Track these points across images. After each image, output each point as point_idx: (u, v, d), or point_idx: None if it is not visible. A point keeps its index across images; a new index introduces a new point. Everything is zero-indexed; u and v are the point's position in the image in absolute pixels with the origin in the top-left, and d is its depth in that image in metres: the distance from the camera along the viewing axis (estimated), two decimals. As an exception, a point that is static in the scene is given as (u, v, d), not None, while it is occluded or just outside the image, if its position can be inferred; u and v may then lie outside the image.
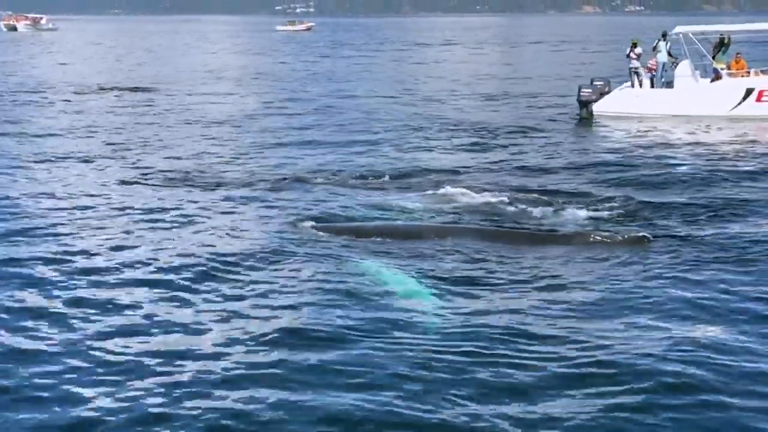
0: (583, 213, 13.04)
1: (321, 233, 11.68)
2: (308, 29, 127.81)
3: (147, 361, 7.64)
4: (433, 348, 7.75)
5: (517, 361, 7.51)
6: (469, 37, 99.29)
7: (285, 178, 15.82)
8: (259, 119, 25.33)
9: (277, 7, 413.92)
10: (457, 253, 10.73)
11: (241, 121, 24.75)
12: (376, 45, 76.86)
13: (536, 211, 13.14)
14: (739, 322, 8.47)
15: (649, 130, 22.62)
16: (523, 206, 13.45)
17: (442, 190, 14.53)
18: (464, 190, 14.49)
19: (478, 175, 16.42)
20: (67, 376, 7.36)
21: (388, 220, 12.63)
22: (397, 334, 8.10)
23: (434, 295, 9.16)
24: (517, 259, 10.50)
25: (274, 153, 19.25)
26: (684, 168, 17.26)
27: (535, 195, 14.26)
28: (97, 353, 7.82)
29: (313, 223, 12.12)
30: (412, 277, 9.75)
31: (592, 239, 11.24)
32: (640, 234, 11.30)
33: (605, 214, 13.04)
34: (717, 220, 12.61)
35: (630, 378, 7.14)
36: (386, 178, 16.00)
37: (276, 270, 10.14)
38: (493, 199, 13.95)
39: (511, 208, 13.36)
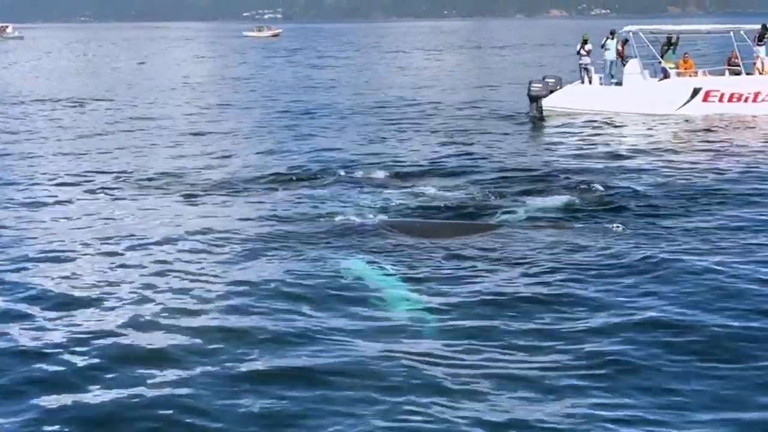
0: (546, 204, 13.54)
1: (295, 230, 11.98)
2: (275, 36, 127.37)
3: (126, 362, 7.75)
4: (422, 343, 8.03)
5: (501, 351, 7.83)
6: (438, 42, 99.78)
7: (262, 179, 16.22)
8: (230, 124, 25.46)
9: (245, 14, 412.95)
10: (436, 247, 11.09)
11: (215, 128, 24.77)
12: (344, 51, 76.82)
13: (503, 204, 13.62)
14: (708, 304, 9.00)
15: (598, 126, 23.17)
16: (490, 200, 14.00)
17: (410, 187, 15.02)
18: (428, 187, 15.02)
19: (436, 172, 16.86)
20: (40, 381, 7.43)
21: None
22: (378, 334, 8.29)
23: (420, 291, 9.45)
24: (498, 250, 10.91)
25: (250, 157, 19.44)
26: (635, 162, 17.90)
27: (497, 188, 14.81)
28: (90, 359, 7.84)
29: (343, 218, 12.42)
30: (393, 273, 10.05)
31: (566, 228, 11.78)
32: (613, 225, 11.85)
33: (567, 205, 13.53)
34: (677, 209, 13.20)
35: (612, 363, 7.51)
36: (357, 175, 16.44)
37: (266, 268, 10.38)
38: (460, 194, 14.45)
39: (479, 203, 13.87)
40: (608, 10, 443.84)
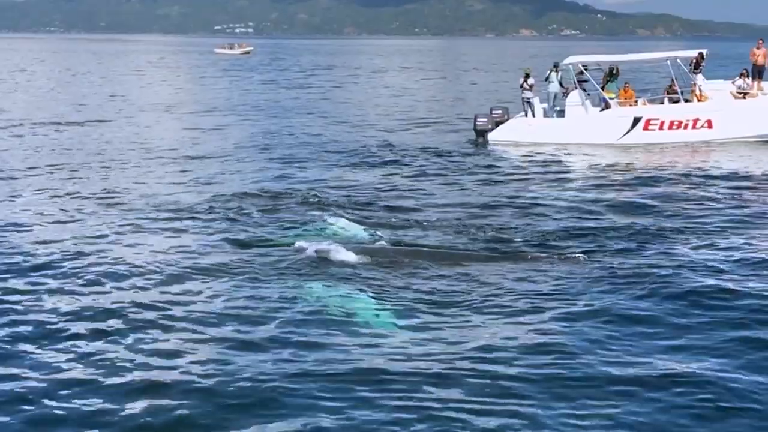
0: (506, 235, 13.79)
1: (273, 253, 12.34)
2: (247, 53, 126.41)
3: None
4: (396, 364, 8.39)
5: (472, 371, 8.23)
6: (406, 62, 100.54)
7: (228, 204, 16.41)
8: (200, 149, 25.32)
9: (215, 27, 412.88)
10: (407, 273, 11.43)
11: (185, 152, 24.63)
12: (314, 73, 76.43)
13: (463, 235, 13.81)
14: (661, 326, 9.59)
15: (542, 158, 23.37)
16: (444, 228, 14.20)
17: (369, 215, 15.30)
18: (384, 215, 15.35)
19: (387, 201, 16.99)
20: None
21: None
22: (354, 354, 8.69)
23: (391, 313, 9.86)
24: (467, 278, 11.21)
25: (217, 181, 19.51)
26: (584, 194, 18.03)
27: (452, 218, 15.04)
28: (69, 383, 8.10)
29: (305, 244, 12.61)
30: (369, 297, 10.38)
31: (532, 258, 12.07)
32: (577, 254, 12.22)
33: (525, 236, 13.75)
34: (631, 239, 13.48)
35: (580, 382, 8.01)
36: (314, 201, 16.63)
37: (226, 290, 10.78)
38: (416, 223, 14.63)
39: (443, 231, 14.03)
40: (578, 31, 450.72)
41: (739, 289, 10.81)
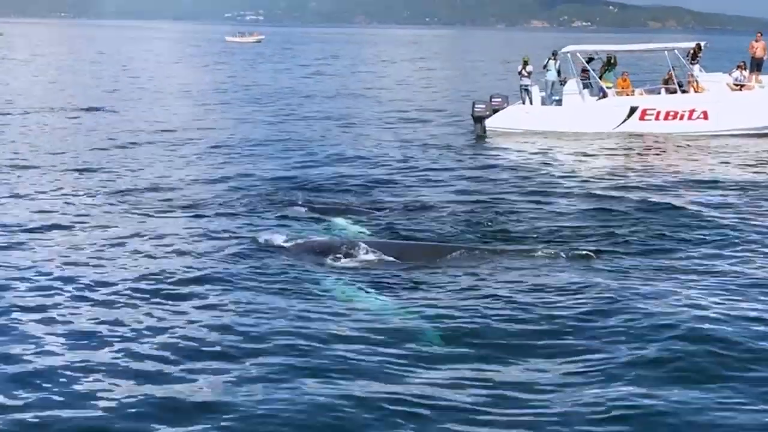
0: (513, 230, 13.77)
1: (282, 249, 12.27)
2: (258, 41, 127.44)
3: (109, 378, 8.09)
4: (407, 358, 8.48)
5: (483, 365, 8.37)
6: (418, 52, 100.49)
7: (238, 197, 16.36)
8: (205, 139, 25.30)
9: (226, 14, 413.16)
10: (409, 266, 11.47)
11: (190, 139, 24.84)
12: (324, 60, 76.40)
13: (470, 230, 13.76)
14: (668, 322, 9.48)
15: (537, 146, 23.60)
16: (450, 223, 14.14)
17: (377, 211, 15.15)
18: (394, 210, 15.24)
19: (393, 195, 16.95)
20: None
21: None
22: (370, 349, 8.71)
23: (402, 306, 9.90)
24: (476, 273, 11.19)
25: (228, 175, 19.45)
26: (588, 189, 17.83)
27: (462, 213, 14.99)
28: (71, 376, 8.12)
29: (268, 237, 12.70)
30: (382, 294, 10.39)
31: (542, 255, 12.03)
32: (585, 251, 12.20)
33: (532, 231, 13.67)
34: (642, 237, 13.32)
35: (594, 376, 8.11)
36: (323, 197, 16.62)
37: (236, 288, 10.69)
38: (420, 216, 14.65)
39: (449, 227, 13.95)
40: (589, 23, 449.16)
41: (748, 294, 10.60)
